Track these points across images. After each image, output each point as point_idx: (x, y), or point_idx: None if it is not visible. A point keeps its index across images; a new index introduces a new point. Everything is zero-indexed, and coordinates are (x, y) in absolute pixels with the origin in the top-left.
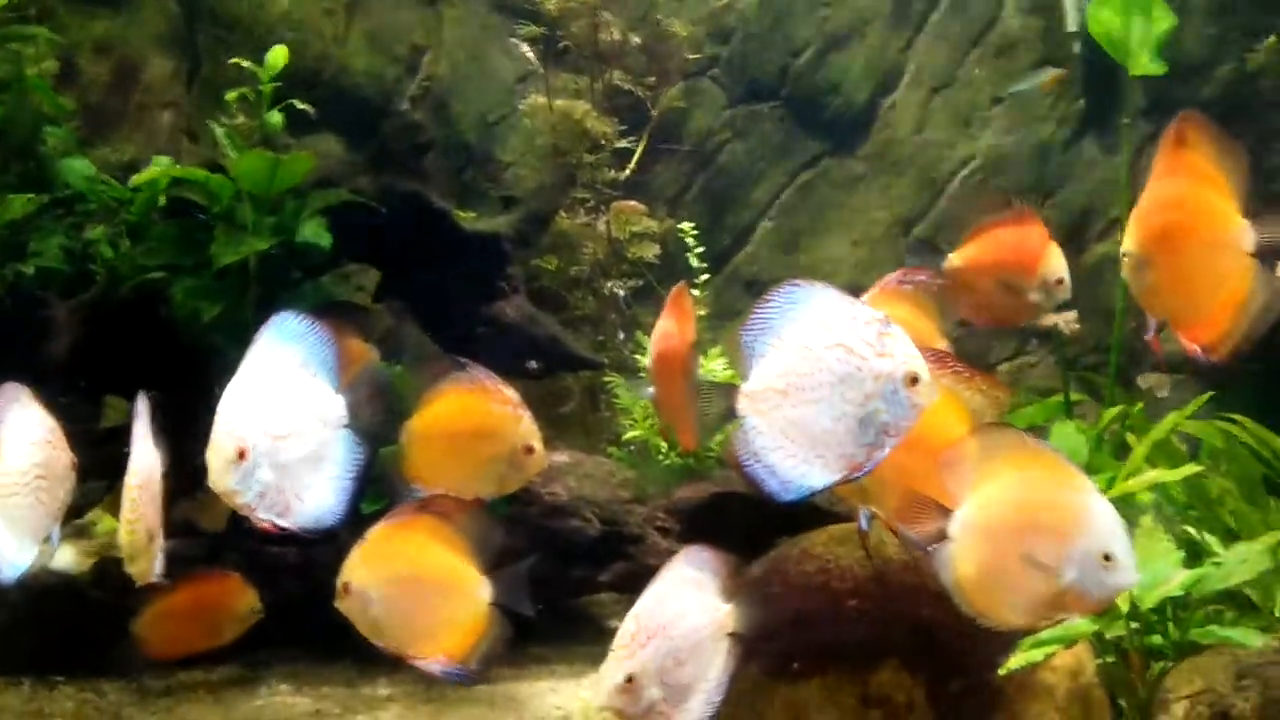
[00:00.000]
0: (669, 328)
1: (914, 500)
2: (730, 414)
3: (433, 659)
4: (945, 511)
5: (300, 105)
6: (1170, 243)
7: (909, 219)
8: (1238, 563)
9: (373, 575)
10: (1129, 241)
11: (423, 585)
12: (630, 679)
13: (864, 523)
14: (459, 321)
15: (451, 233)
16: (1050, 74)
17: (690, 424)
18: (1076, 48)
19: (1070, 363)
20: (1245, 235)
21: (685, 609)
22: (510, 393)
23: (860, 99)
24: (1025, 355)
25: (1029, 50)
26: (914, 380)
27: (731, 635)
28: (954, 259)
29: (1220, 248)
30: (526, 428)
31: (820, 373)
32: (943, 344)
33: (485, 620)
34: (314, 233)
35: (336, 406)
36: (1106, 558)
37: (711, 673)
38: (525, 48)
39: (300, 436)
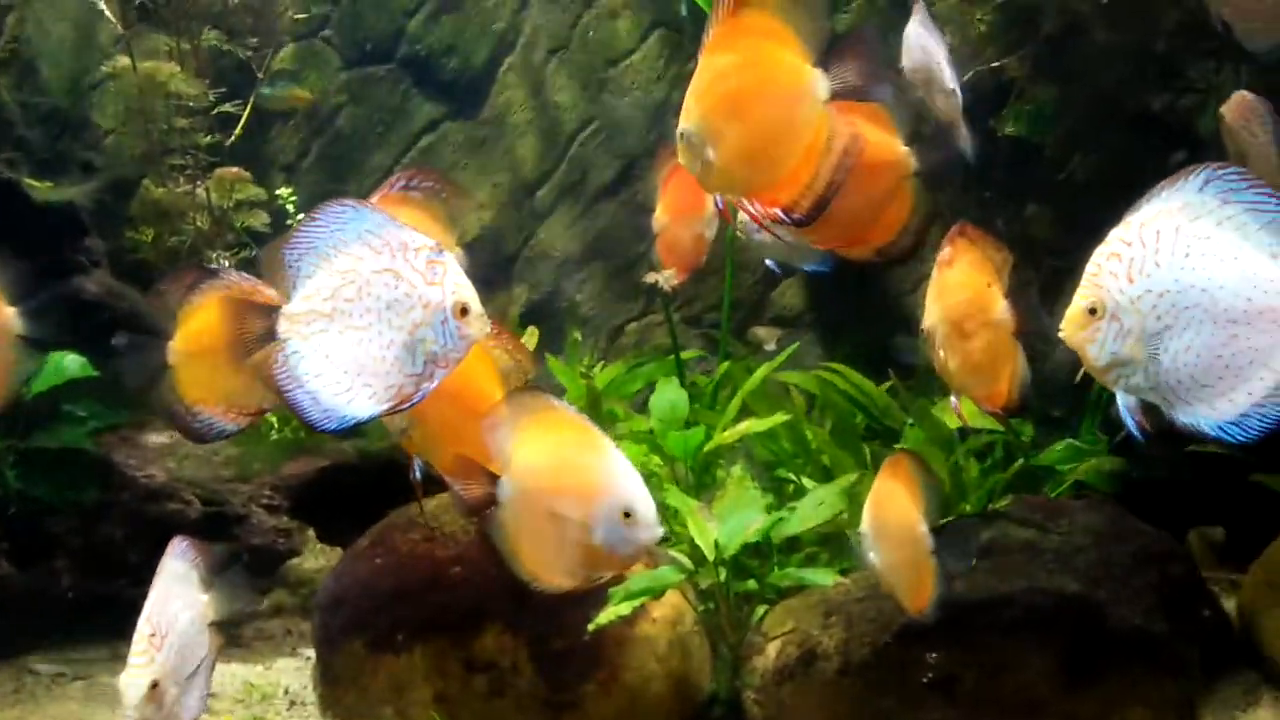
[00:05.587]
0: None
1: (464, 465)
2: (270, 336)
3: None
4: (493, 476)
5: None
6: (735, 110)
7: (533, 182)
8: (815, 506)
9: None
10: (688, 120)
11: None
12: (155, 684)
13: (417, 473)
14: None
15: (18, 203)
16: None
17: None
18: (684, 10)
19: (696, 319)
20: (818, 85)
21: (182, 604)
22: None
23: (478, 61)
24: (651, 314)
25: (641, 12)
26: (464, 311)
27: (212, 625)
28: (659, 218)
29: (793, 102)
30: None
31: (367, 298)
32: (456, 253)
33: None
34: None
35: None
36: (627, 514)
37: (203, 665)
38: (103, 5)
39: None
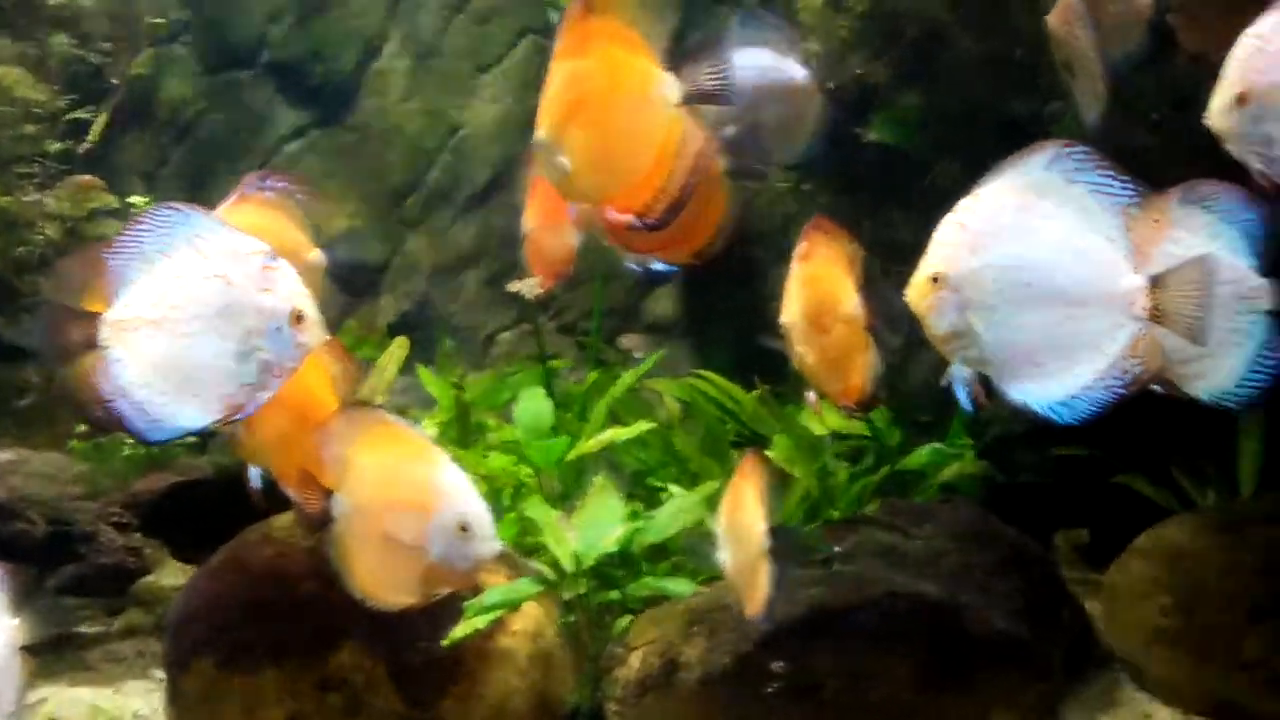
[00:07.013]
0: None
1: (305, 479)
2: (91, 343)
3: None
4: (329, 492)
5: None
6: (588, 116)
7: (402, 189)
8: (674, 514)
9: None
10: (541, 130)
11: None
12: None
13: (255, 480)
14: None
15: None
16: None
17: None
18: (554, 17)
19: (570, 327)
20: (668, 88)
21: None
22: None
23: (344, 67)
24: (525, 323)
25: (510, 18)
26: (299, 318)
27: (23, 650)
28: (528, 221)
29: (644, 106)
30: None
31: (196, 304)
32: (314, 254)
33: None
34: None
35: None
36: (464, 529)
37: (13, 695)
38: None
39: None
